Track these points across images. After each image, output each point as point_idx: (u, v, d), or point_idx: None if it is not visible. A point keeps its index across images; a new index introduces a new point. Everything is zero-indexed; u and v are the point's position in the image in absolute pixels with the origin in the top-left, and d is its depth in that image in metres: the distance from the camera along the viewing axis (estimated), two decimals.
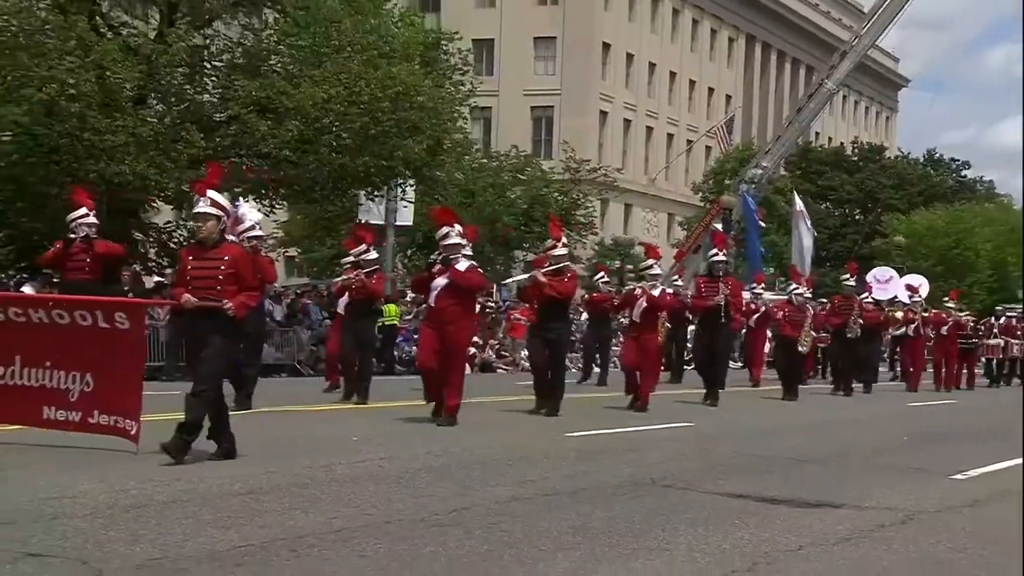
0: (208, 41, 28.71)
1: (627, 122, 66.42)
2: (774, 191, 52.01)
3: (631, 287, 18.29)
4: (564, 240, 15.61)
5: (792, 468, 10.78)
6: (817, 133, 73.25)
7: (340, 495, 8.01)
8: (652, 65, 67.77)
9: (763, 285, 28.66)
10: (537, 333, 15.76)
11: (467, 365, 26.63)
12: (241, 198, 15.24)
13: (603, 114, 64.23)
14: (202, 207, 9.40)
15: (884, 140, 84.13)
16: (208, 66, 28.53)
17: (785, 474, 10.25)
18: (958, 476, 10.45)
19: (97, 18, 26.47)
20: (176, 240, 29.37)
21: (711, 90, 73.06)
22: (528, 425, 13.96)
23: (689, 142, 68.36)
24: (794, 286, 22.88)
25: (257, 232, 14.24)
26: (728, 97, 73.34)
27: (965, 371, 29.02)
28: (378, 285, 16.48)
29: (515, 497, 8.19)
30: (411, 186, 32.22)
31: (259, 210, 17.24)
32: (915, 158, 75.77)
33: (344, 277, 17.33)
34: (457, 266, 13.13)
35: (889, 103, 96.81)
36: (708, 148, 66.14)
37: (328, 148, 26.48)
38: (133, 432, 9.45)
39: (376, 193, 31.27)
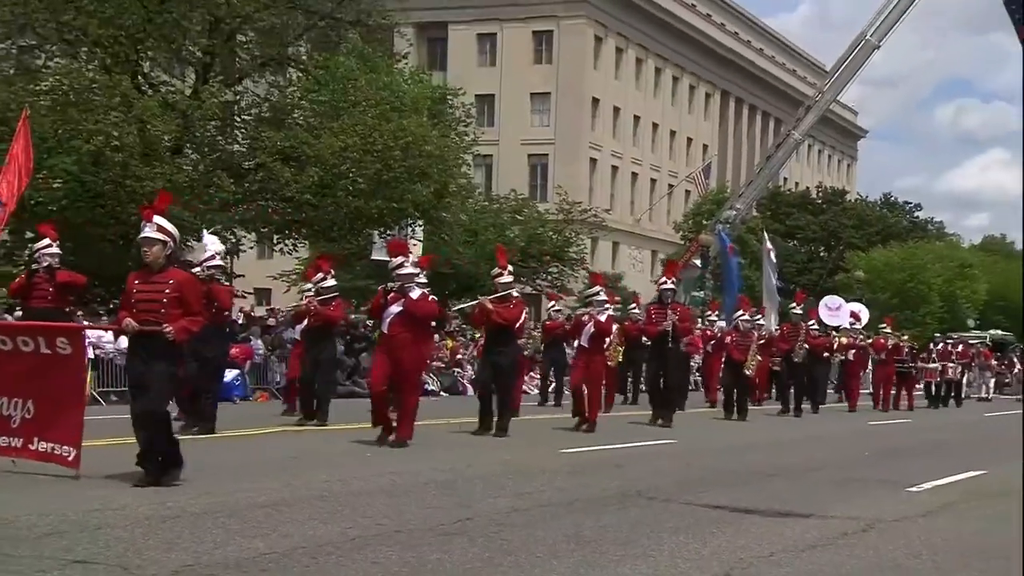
0: (238, 97, 28.88)
1: (614, 168, 66.59)
2: (747, 230, 52.06)
3: (580, 313, 17.42)
4: (510, 268, 14.65)
5: (764, 481, 10.75)
6: (785, 178, 73.35)
7: (355, 507, 7.98)
8: (637, 118, 68.02)
9: (717, 312, 27.90)
10: (486, 357, 15.04)
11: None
12: (205, 229, 14.62)
13: (593, 161, 64.40)
14: (148, 232, 8.68)
15: (845, 185, 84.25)
16: (238, 119, 28.69)
17: (758, 487, 10.23)
18: (913, 488, 10.41)
19: (139, 77, 26.63)
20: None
21: (689, 140, 73.30)
22: (525, 442, 13.89)
23: (670, 186, 68.49)
24: (740, 312, 21.99)
25: (218, 261, 13.55)
26: (705, 146, 73.56)
27: (905, 393, 28.24)
28: (335, 312, 15.51)
29: (514, 508, 8.17)
30: (420, 226, 32.31)
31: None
32: (873, 201, 75.90)
33: (296, 303, 16.47)
34: (411, 294, 12.40)
35: (849, 152, 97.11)
36: (687, 192, 66.30)
37: (345, 192, 26.59)
38: (71, 458, 8.71)
39: (388, 232, 31.29)
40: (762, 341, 24.11)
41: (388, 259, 36.76)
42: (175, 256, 9.01)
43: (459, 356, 29.14)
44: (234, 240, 29.16)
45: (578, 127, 62.90)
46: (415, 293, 12.46)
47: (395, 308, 12.35)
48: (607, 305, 17.51)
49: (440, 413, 16.93)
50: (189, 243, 18.51)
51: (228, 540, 6.53)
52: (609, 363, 20.53)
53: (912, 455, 14.87)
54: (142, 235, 8.78)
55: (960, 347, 33.30)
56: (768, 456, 13.59)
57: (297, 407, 15.88)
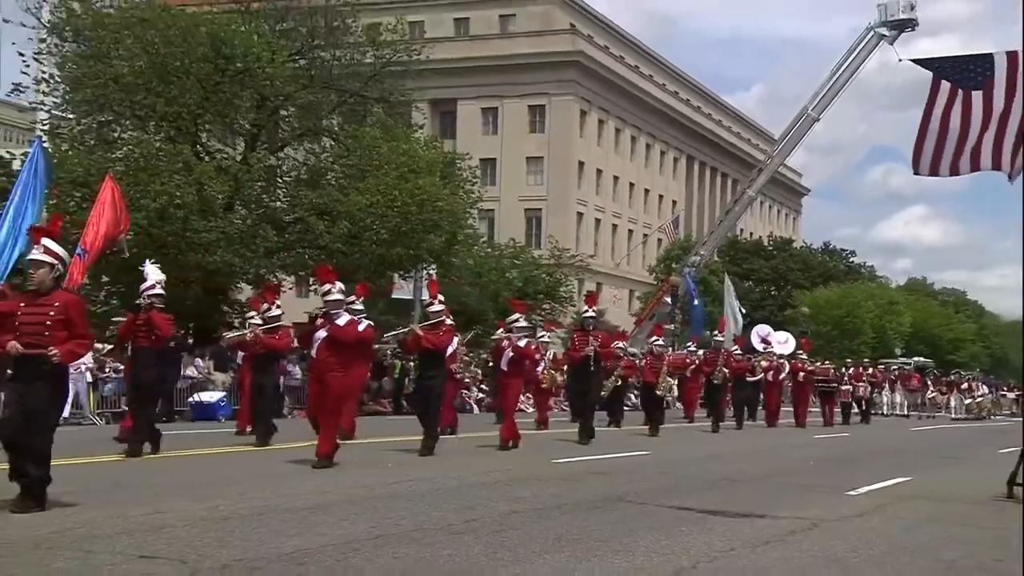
0: (280, 162, 29.04)
1: (597, 220, 66.70)
2: (709, 273, 52.08)
3: (499, 338, 15.48)
4: (440, 298, 13.30)
5: (725, 487, 10.70)
6: (741, 229, 73.35)
7: (378, 509, 7.94)
8: (616, 178, 68.21)
9: (668, 343, 26.40)
10: (418, 381, 13.90)
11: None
12: (148, 260, 13.23)
13: (579, 215, 64.50)
14: (36, 254, 7.46)
15: (792, 234, 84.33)
16: (280, 180, 28.83)
17: (720, 491, 10.17)
18: (851, 493, 10.36)
19: (197, 146, 26.81)
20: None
21: (660, 196, 73.45)
22: (521, 454, 13.77)
23: (645, 236, 68.50)
24: (655, 338, 20.26)
25: (158, 290, 12.13)
26: (674, 202, 73.72)
27: (827, 409, 26.87)
28: (280, 340, 13.92)
29: (513, 511, 8.12)
30: (434, 269, 32.31)
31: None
32: (815, 248, 75.87)
33: (237, 332, 15.05)
34: (337, 321, 11.07)
35: (795, 207, 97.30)
36: (659, 240, 66.20)
37: (370, 242, 26.65)
38: None
39: (407, 275, 31.39)
40: (694, 366, 23.26)
41: (406, 298, 36.63)
42: (63, 278, 7.72)
43: (466, 378, 28.91)
44: (276, 282, 29.19)
45: (566, 186, 63.09)
46: (341, 320, 11.16)
47: (322, 334, 11.07)
48: (543, 335, 16.25)
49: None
50: (238, 285, 17.94)
51: (271, 538, 6.50)
52: (543, 385, 19.92)
53: (850, 464, 14.76)
54: (29, 257, 7.61)
55: (870, 369, 31.82)
56: (729, 465, 13.49)
57: (247, 429, 14.57)
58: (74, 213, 23.02)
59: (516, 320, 15.12)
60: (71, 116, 26.91)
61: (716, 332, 24.66)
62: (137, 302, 12.21)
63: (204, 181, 24.34)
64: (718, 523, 7.89)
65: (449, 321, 13.17)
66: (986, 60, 9.31)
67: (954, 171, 9.48)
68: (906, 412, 37.21)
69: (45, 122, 26.76)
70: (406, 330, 13.62)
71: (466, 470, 11.16)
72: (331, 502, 8.24)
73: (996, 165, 9.32)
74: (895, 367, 42.79)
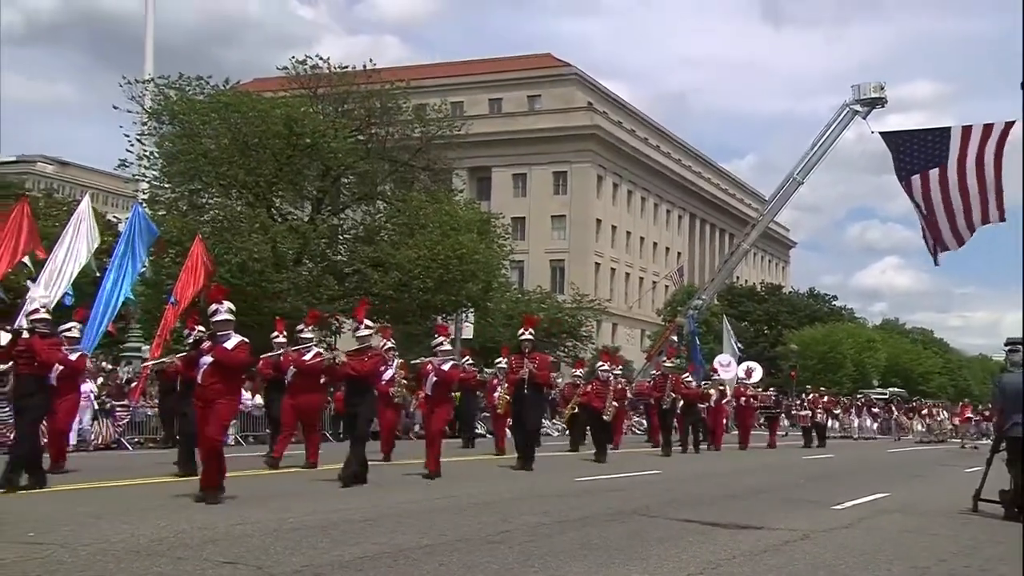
0: (341, 222, 29.37)
1: (613, 270, 66.67)
2: (710, 315, 51.76)
3: (423, 362, 12.67)
4: (367, 323, 10.98)
5: (726, 501, 10.55)
6: (737, 277, 73.02)
7: (425, 521, 7.90)
8: (628, 233, 68.27)
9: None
10: (346, 408, 11.36)
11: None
12: (31, 281, 11.17)
13: (597, 265, 64.53)
14: None
15: (781, 281, 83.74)
16: (341, 238, 29.13)
17: (721, 505, 10.04)
18: (837, 507, 10.19)
19: (272, 209, 27.22)
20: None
21: (667, 249, 73.37)
22: (546, 473, 13.62)
23: (654, 283, 68.39)
24: (601, 364, 17.75)
25: (42, 315, 9.93)
26: (679, 253, 73.57)
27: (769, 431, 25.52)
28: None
29: (541, 523, 8.05)
30: (472, 313, 32.42)
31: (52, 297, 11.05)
32: (802, 293, 75.23)
33: (156, 360, 12.86)
34: (226, 344, 8.80)
35: (784, 257, 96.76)
36: (666, 287, 66.06)
37: (417, 289, 26.83)
38: None
39: (448, 318, 31.47)
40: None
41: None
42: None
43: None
44: (337, 324, 29.38)
45: (586, 240, 63.21)
46: (230, 342, 8.84)
47: (208, 358, 8.83)
48: (500, 361, 14.47)
49: (479, 450, 16.69)
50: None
51: (333, 547, 6.49)
52: (498, 411, 17.19)
53: (836, 481, 14.53)
54: None
55: (825, 398, 29.60)
56: (728, 482, 13.34)
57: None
58: (169, 268, 23.42)
59: (440, 343, 12.58)
60: (167, 186, 27.46)
61: (664, 358, 23.64)
62: (16, 327, 10.42)
63: (277, 239, 24.70)
64: (720, 534, 7.79)
65: (390, 344, 10.70)
66: (943, 134, 9.25)
67: (960, 242, 9.22)
68: (874, 435, 36.61)
69: (146, 191, 27.30)
70: (332, 356, 11.35)
71: (499, 487, 11.08)
72: (384, 515, 8.20)
73: (984, 220, 9.08)
74: (860, 396, 42.27)
